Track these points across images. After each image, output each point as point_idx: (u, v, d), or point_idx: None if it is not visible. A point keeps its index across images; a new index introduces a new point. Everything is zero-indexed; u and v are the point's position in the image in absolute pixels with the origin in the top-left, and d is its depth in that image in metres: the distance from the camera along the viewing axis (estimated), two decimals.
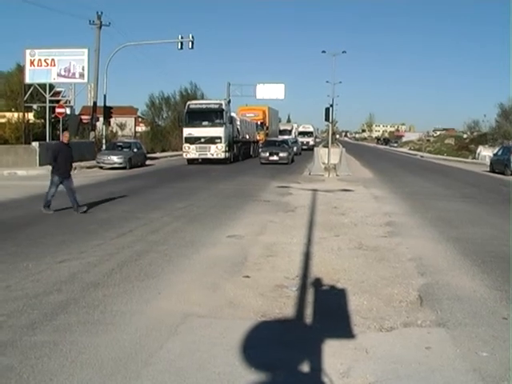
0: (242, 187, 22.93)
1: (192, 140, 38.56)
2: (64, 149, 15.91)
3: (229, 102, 49.01)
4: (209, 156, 38.67)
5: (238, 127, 45.01)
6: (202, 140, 38.42)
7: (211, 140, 38.35)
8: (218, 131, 38.45)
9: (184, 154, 39.55)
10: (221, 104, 40.18)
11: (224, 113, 39.14)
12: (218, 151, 38.47)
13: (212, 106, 39.90)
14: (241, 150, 45.47)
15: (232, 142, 41.31)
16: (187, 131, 38.99)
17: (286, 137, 59.32)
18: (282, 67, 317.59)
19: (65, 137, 16.48)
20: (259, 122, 59.18)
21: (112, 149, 35.64)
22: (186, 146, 39.01)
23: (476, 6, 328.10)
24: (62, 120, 36.19)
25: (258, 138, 54.42)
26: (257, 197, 19.34)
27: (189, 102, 42.33)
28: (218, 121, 38.66)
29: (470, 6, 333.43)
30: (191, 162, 39.44)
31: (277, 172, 31.68)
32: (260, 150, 43.11)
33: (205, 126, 38.59)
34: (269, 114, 64.48)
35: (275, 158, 39.51)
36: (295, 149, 51.68)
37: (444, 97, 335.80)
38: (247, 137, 49.40)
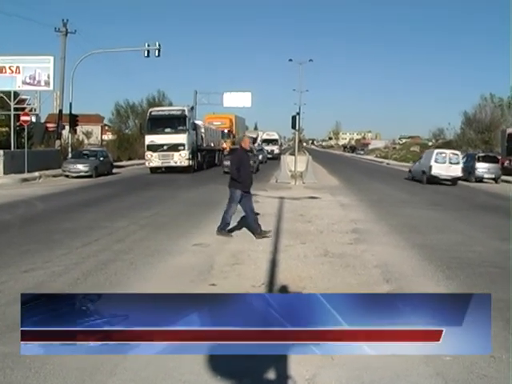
0: (208, 195, 22.86)
1: (154, 148, 37.71)
2: (246, 158, 13.57)
3: (192, 108, 47.39)
4: (172, 164, 37.90)
5: (203, 135, 44.11)
6: (165, 147, 37.51)
7: (174, 147, 37.37)
8: (181, 138, 37.52)
9: (146, 163, 38.47)
10: (183, 110, 39.47)
11: (187, 119, 38.48)
12: (181, 159, 37.53)
13: (174, 113, 39.22)
14: (205, 158, 44.57)
15: (196, 150, 40.68)
16: (149, 138, 38.01)
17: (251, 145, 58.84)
18: (249, 76, 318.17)
19: (245, 142, 13.70)
20: (226, 130, 58.99)
21: (78, 157, 35.27)
22: (148, 153, 38.15)
23: (441, 15, 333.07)
24: (27, 128, 35.71)
25: (224, 146, 53.71)
26: (223, 205, 19.24)
27: (151, 109, 41.63)
28: (180, 127, 37.92)
29: (434, 14, 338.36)
30: (154, 170, 38.38)
31: None
32: (223, 158, 41.99)
33: (167, 133, 37.74)
34: (236, 122, 64.50)
35: None
36: (260, 157, 51.45)
37: (409, 105, 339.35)
38: (212, 145, 48.44)
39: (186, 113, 39.01)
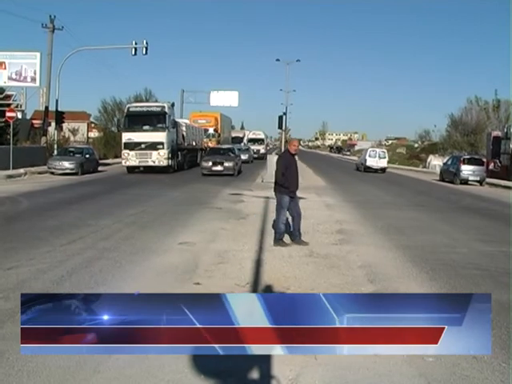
0: (194, 194, 22.85)
1: (132, 146, 35.77)
2: (293, 161, 12.79)
3: (172, 104, 43.93)
4: (150, 163, 36.01)
5: (184, 133, 42.08)
6: (143, 146, 35.53)
7: (152, 146, 35.63)
8: (160, 136, 35.76)
9: (123, 162, 36.89)
10: (163, 107, 37.38)
11: (167, 116, 36.35)
12: (160, 158, 35.75)
13: (153, 109, 37.10)
14: (186, 157, 42.37)
15: (176, 149, 38.61)
16: (126, 136, 36.25)
17: (238, 144, 58.17)
18: (237, 75, 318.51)
19: (293, 145, 12.98)
20: (212, 129, 58.47)
21: (64, 154, 34.98)
22: (125, 152, 36.29)
23: (427, 19, 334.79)
24: (12, 124, 35.37)
25: (209, 144, 52.48)
26: (209, 204, 19.30)
27: (128, 105, 39.93)
28: (160, 125, 35.88)
29: (420, 18, 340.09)
30: (131, 170, 36.68)
31: (229, 179, 31.55)
32: (203, 158, 39.56)
33: (146, 131, 35.84)
34: (221, 121, 63.63)
35: (219, 168, 35.19)
36: (247, 156, 51.02)
37: (396, 106, 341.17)
38: (194, 143, 46.42)
39: (166, 109, 37.04)
